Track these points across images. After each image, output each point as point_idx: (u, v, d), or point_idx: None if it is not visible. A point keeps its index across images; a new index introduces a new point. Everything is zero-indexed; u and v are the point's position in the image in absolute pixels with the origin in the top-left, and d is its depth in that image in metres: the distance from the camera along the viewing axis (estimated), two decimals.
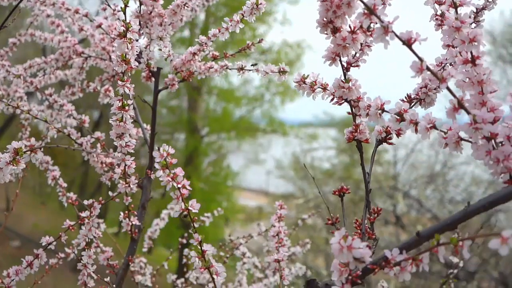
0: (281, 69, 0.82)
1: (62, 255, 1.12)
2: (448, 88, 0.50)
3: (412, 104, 0.67)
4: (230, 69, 0.96)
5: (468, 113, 0.50)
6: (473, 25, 0.70)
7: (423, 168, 7.47)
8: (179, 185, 0.61)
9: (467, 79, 0.54)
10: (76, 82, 1.17)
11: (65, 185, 1.08)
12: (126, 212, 0.94)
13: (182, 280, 1.47)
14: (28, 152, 0.64)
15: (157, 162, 0.59)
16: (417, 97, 0.67)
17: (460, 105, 0.50)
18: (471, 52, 0.52)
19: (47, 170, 1.09)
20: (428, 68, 0.49)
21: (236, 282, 1.26)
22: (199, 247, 0.63)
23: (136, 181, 0.88)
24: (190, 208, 0.62)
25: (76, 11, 1.06)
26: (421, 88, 0.67)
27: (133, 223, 0.94)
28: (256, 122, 12.25)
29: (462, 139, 0.53)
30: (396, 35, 0.49)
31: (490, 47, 9.05)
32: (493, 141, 0.51)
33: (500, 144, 0.51)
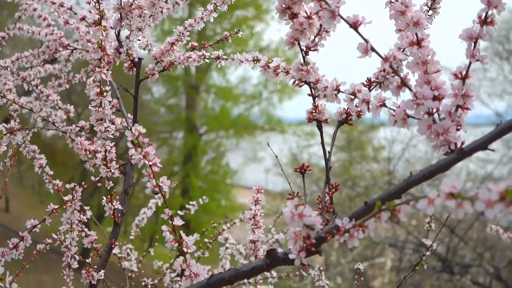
0: (255, 58, 0.86)
1: (49, 240, 1.16)
2: (392, 68, 0.54)
3: (372, 87, 0.71)
4: (208, 58, 1.00)
5: (411, 90, 0.54)
6: (430, 11, 0.74)
7: (420, 164, 7.51)
8: (151, 163, 0.64)
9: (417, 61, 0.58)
10: (62, 74, 1.21)
11: (51, 172, 1.12)
12: (109, 196, 0.98)
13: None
14: (8, 134, 0.68)
15: (129, 141, 0.63)
16: (377, 80, 0.71)
17: (403, 83, 0.54)
18: (416, 35, 0.56)
19: (33, 158, 1.13)
20: (372, 49, 0.53)
21: (220, 267, 1.31)
22: (170, 222, 0.67)
23: (117, 166, 0.92)
24: (161, 184, 0.66)
25: (61, 5, 1.10)
26: (380, 71, 0.71)
27: (116, 207, 0.98)
28: (254, 120, 12.29)
29: (408, 116, 0.57)
30: (343, 19, 0.53)
31: (486, 44, 9.06)
32: (436, 116, 0.55)
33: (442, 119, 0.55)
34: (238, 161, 12.25)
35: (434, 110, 0.54)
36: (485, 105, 8.59)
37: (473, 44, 0.54)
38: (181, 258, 0.67)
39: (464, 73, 0.55)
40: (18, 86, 1.34)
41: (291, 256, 0.58)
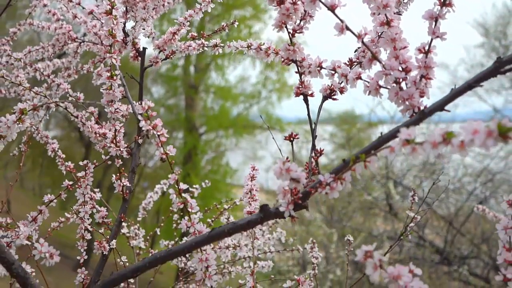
0: (249, 44, 0.95)
1: (62, 219, 1.25)
2: (364, 44, 0.63)
3: (354, 66, 0.80)
4: (206, 47, 1.09)
5: (380, 62, 0.63)
6: None
7: (418, 158, 7.60)
8: (159, 133, 0.74)
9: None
10: (71, 65, 1.30)
11: (63, 156, 1.21)
12: (118, 174, 1.07)
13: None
14: (32, 111, 0.77)
15: (139, 114, 0.72)
16: (357, 60, 0.80)
17: (374, 57, 0.63)
18: (386, 16, 0.65)
19: (46, 143, 1.22)
20: (347, 28, 0.62)
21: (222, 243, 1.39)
22: (176, 186, 0.76)
23: (126, 146, 1.01)
24: (168, 151, 0.75)
25: (70, 0, 1.19)
26: (361, 52, 0.80)
27: (124, 184, 1.07)
28: (253, 119, 12.37)
29: (380, 86, 0.66)
30: (322, 2, 0.62)
31: (483, 39, 9.15)
32: (403, 85, 0.64)
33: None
34: (238, 161, 12.33)
35: (401, 79, 0.63)
36: (483, 100, 8.68)
37: (434, 22, 0.63)
38: (186, 217, 0.76)
39: (427, 48, 0.64)
40: (27, 78, 1.44)
41: (281, 209, 0.67)
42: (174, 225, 1.41)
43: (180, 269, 1.48)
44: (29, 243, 0.76)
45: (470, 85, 0.57)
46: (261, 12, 11.11)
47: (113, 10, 0.82)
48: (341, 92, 0.79)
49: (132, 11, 1.04)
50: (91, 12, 1.15)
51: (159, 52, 1.10)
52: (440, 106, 0.59)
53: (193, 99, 11.44)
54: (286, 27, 0.72)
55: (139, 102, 0.72)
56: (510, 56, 0.57)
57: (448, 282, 6.10)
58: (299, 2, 0.69)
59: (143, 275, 0.83)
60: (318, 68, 0.71)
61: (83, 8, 1.19)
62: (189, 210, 0.76)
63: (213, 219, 1.42)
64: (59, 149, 1.22)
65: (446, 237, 6.31)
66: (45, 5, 1.28)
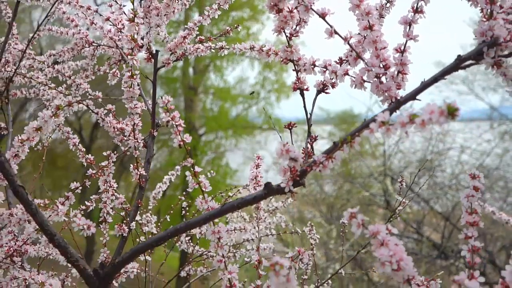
0: (252, 46, 1.07)
1: (83, 207, 1.37)
2: (350, 45, 0.76)
3: (343, 63, 0.93)
4: (212, 49, 1.21)
5: (363, 60, 0.76)
6: (388, 4, 0.96)
7: (416, 155, 7.75)
8: (177, 123, 0.86)
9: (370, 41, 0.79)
10: (89, 67, 1.43)
11: (83, 149, 1.34)
12: (135, 164, 1.19)
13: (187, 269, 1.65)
14: (67, 107, 0.90)
15: (161, 107, 0.85)
16: (346, 59, 0.93)
17: (358, 56, 0.76)
18: (368, 21, 0.78)
19: (68, 138, 1.35)
20: (335, 32, 0.75)
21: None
22: (192, 169, 0.89)
23: (142, 138, 1.14)
24: (184, 139, 0.87)
25: (88, 8, 1.32)
26: (348, 52, 0.93)
27: (141, 173, 1.20)
28: (252, 120, 12.48)
29: (364, 80, 0.79)
30: (314, 11, 0.75)
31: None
32: (383, 79, 0.77)
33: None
34: (238, 161, 12.44)
35: (381, 75, 0.75)
36: (480, 98, 8.81)
37: (408, 26, 0.76)
38: (201, 196, 0.89)
39: (402, 48, 0.77)
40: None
41: (282, 185, 0.79)
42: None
43: (188, 254, 1.60)
44: (66, 219, 0.89)
45: (436, 78, 0.70)
46: (258, 13, 11.23)
47: (136, 17, 0.94)
48: (333, 86, 0.91)
49: (147, 18, 1.16)
50: (107, 19, 1.27)
51: (170, 54, 1.22)
52: (412, 96, 0.72)
53: (192, 100, 11.56)
54: (284, 31, 0.84)
55: (160, 97, 0.85)
56: (467, 54, 0.69)
57: (446, 277, 6.23)
58: (295, 11, 0.81)
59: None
60: (312, 66, 0.84)
61: (101, 15, 1.31)
62: (203, 189, 0.88)
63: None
64: (78, 143, 1.35)
65: (443, 232, 6.45)
66: (64, 12, 1.40)
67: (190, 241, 1.61)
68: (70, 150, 1.35)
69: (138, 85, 1.07)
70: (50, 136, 1.47)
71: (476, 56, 0.68)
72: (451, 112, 0.53)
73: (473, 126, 8.68)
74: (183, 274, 1.64)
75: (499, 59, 0.69)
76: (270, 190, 0.81)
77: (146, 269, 1.62)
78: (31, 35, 1.55)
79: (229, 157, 12.66)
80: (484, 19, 0.68)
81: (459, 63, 0.69)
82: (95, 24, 1.38)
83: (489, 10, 0.67)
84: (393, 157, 7.39)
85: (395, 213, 1.33)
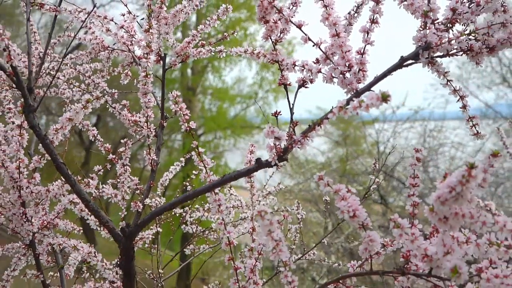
0: (246, 50, 1.28)
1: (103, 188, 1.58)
2: (320, 49, 0.97)
3: (319, 63, 1.14)
4: (213, 52, 1.43)
5: (331, 61, 0.97)
6: (356, 14, 1.17)
7: (409, 151, 7.98)
8: (184, 113, 1.07)
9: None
10: (104, 68, 1.64)
11: (101, 140, 1.55)
12: (148, 150, 1.40)
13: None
14: (95, 100, 1.11)
15: (170, 100, 1.06)
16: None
17: (327, 57, 0.97)
18: (336, 30, 0.99)
19: (88, 130, 1.56)
20: (309, 39, 0.96)
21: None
22: (197, 150, 1.10)
23: (155, 127, 1.35)
24: (190, 125, 1.08)
25: (105, 17, 1.53)
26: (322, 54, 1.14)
27: (153, 158, 1.41)
28: (250, 120, 12.67)
29: (333, 76, 1.00)
30: (292, 22, 0.96)
31: None
32: (348, 75, 0.98)
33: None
34: (237, 161, 12.63)
35: (346, 72, 0.97)
36: (474, 96, 9.03)
37: (366, 34, 0.97)
38: (204, 171, 1.10)
39: (362, 50, 0.98)
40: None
41: (269, 159, 1.00)
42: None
43: (192, 234, 1.82)
44: (96, 191, 1.10)
45: (385, 74, 0.91)
46: (255, 14, 11.41)
47: (151, 28, 1.16)
48: (311, 82, 1.13)
49: (157, 25, 1.38)
50: (122, 27, 1.48)
51: (177, 57, 1.44)
52: (367, 88, 0.93)
53: (191, 101, 11.76)
54: (270, 38, 1.06)
55: (170, 92, 1.06)
56: (409, 54, 0.91)
57: None
58: (278, 22, 1.03)
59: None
60: (293, 66, 1.05)
61: (116, 23, 1.52)
62: (206, 166, 1.10)
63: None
64: (97, 134, 1.56)
65: None
66: (83, 21, 1.61)
67: (194, 222, 1.82)
68: (69, 151, 1.56)
69: (151, 83, 1.29)
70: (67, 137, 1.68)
71: (414, 57, 0.90)
72: (384, 98, 0.74)
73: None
74: (187, 252, 1.86)
75: (433, 59, 0.90)
76: (260, 164, 1.02)
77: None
78: (53, 41, 1.76)
79: (228, 157, 12.85)
80: (421, 28, 0.90)
81: (402, 62, 0.91)
82: (110, 31, 1.59)
83: (423, 22, 0.89)
84: (385, 154, 7.62)
85: (369, 190, 1.54)
